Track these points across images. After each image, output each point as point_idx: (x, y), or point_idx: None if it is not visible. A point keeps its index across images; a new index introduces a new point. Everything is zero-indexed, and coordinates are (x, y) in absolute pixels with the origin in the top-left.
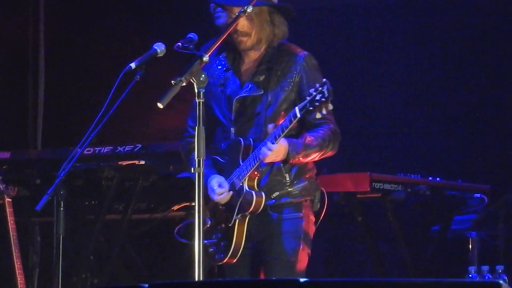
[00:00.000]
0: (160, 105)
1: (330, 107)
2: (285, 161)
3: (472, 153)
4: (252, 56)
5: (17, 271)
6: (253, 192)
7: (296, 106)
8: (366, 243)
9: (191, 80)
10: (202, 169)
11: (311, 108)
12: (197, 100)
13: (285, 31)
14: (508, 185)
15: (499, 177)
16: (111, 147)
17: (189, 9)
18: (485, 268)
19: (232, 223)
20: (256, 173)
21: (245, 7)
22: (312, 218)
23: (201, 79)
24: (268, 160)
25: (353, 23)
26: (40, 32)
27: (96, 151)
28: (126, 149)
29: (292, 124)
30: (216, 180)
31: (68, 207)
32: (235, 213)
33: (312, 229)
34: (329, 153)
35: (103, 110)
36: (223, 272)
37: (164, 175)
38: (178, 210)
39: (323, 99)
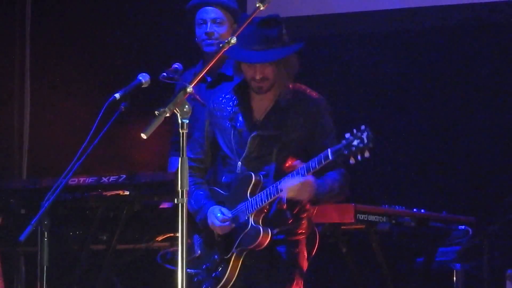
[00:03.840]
0: (144, 136)
1: (367, 154)
2: (312, 201)
3: (457, 185)
4: (265, 95)
5: None
6: (261, 228)
7: (329, 148)
8: (351, 274)
9: (175, 111)
10: (185, 199)
11: (345, 153)
12: (180, 131)
13: (296, 68)
14: (492, 217)
15: (483, 209)
16: (96, 178)
17: (174, 39)
18: None
19: (229, 255)
20: (265, 209)
21: (230, 38)
22: (306, 255)
23: (185, 109)
24: (294, 195)
25: (340, 54)
26: (26, 59)
27: (81, 181)
28: (111, 179)
29: (320, 166)
30: (219, 209)
31: (52, 237)
32: (235, 246)
33: (305, 265)
34: (342, 197)
35: (88, 140)
36: None
37: (149, 205)
38: (162, 240)
39: (361, 145)
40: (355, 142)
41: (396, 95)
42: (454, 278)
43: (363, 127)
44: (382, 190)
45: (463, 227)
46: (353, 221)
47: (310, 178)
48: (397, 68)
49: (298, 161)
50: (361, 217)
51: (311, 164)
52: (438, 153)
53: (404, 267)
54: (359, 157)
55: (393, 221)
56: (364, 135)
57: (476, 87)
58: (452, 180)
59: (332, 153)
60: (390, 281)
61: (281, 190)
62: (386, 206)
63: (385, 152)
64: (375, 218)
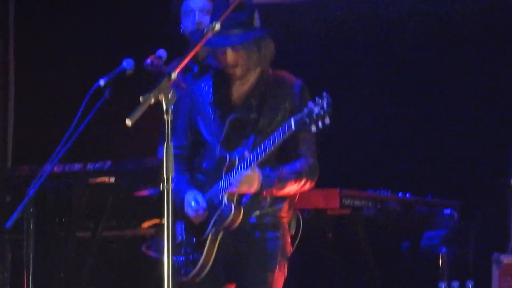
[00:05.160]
0: (128, 122)
1: (327, 120)
2: (257, 193)
3: (443, 169)
4: (244, 80)
5: None
6: (232, 205)
7: (292, 117)
8: (337, 259)
9: (160, 97)
10: (170, 185)
11: (307, 120)
12: (165, 117)
13: (272, 51)
14: (478, 200)
15: (469, 193)
16: (81, 164)
17: (159, 25)
18: (455, 284)
19: (205, 236)
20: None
21: (214, 24)
22: (289, 239)
23: (170, 96)
24: (240, 191)
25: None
26: (10, 48)
27: (66, 168)
28: (96, 166)
29: (284, 137)
30: (193, 196)
31: (38, 225)
32: (210, 226)
33: (288, 249)
34: (306, 188)
35: (73, 127)
36: None
37: (134, 192)
38: (148, 227)
39: (321, 112)
40: (316, 110)
41: (381, 81)
42: (440, 262)
43: (324, 94)
44: (367, 174)
45: (448, 211)
46: (338, 206)
47: (255, 171)
48: (380, 54)
49: (247, 151)
50: (347, 202)
51: (276, 136)
52: (423, 136)
53: (390, 252)
54: (320, 124)
55: (379, 206)
56: (324, 102)
57: (460, 72)
58: (438, 164)
59: (295, 122)
60: (376, 265)
61: (230, 184)
62: (372, 190)
63: (370, 137)
64: (361, 203)
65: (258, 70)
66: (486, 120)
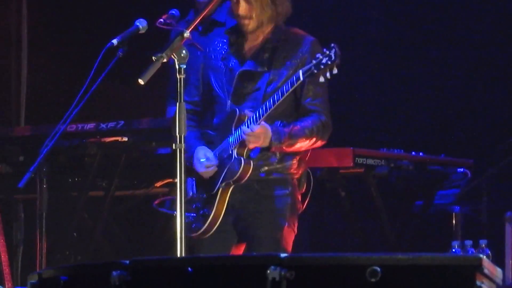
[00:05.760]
0: (141, 81)
1: (335, 70)
2: (266, 148)
3: (455, 128)
4: (257, 35)
5: (0, 248)
6: (242, 159)
7: (300, 69)
8: (349, 219)
9: (172, 56)
10: (183, 145)
11: (315, 71)
12: (178, 76)
13: (288, 9)
14: (491, 159)
15: (482, 152)
16: (94, 124)
17: None
18: (469, 242)
19: (215, 191)
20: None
21: None
22: (299, 196)
23: (182, 55)
24: (250, 145)
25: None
26: (23, 8)
27: (79, 128)
28: (109, 125)
29: (293, 88)
30: (203, 152)
31: (51, 184)
32: (220, 181)
33: (298, 207)
34: (318, 144)
35: (86, 86)
36: (201, 250)
37: (147, 151)
38: (161, 186)
39: (329, 62)
40: (324, 60)
41: (395, 39)
42: (453, 221)
43: (332, 45)
44: (380, 133)
45: (461, 169)
46: (351, 165)
47: (265, 126)
48: (394, 13)
49: (248, 110)
50: (360, 160)
51: (285, 88)
52: (436, 96)
53: (403, 211)
54: (328, 74)
55: (392, 165)
56: (332, 52)
57: (473, 30)
58: (451, 123)
59: (303, 73)
60: (389, 224)
61: (239, 138)
62: (385, 149)
63: (383, 96)
64: (374, 161)
65: (271, 25)
66: (499, 78)
